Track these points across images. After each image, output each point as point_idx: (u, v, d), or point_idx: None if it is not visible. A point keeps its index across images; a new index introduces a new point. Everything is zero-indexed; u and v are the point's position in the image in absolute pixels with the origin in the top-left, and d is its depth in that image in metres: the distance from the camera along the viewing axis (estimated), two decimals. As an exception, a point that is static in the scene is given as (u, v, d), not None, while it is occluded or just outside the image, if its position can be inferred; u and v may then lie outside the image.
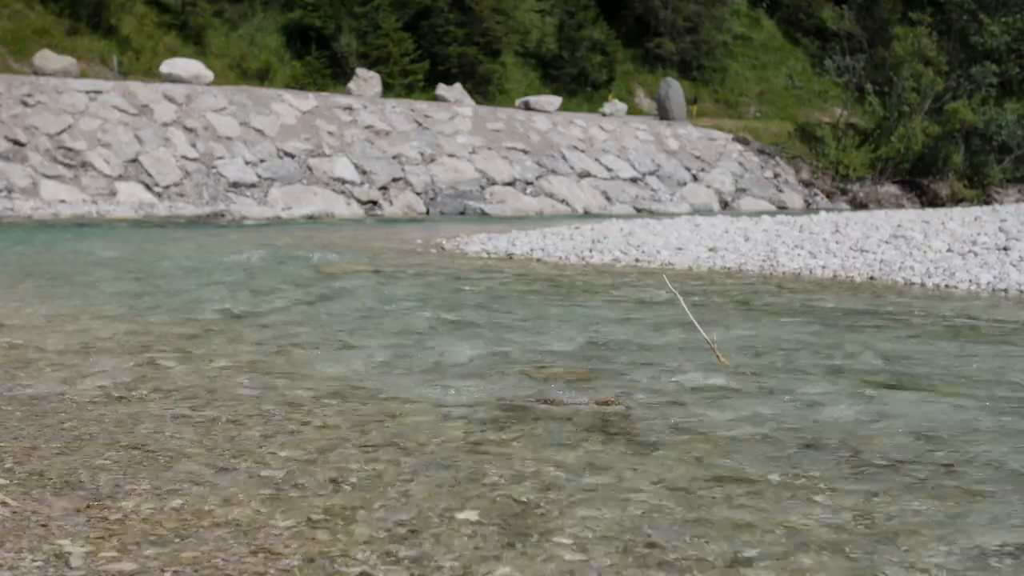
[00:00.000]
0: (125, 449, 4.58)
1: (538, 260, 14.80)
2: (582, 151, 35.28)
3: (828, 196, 39.79)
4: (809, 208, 35.89)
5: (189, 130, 28.65)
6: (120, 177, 26.39)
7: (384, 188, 29.93)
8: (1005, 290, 11.24)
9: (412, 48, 41.32)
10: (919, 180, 41.81)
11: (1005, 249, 13.56)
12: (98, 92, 28.39)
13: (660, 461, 4.50)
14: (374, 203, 29.13)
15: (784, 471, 4.36)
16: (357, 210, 28.46)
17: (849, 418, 5.32)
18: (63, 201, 24.33)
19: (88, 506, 3.81)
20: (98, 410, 5.30)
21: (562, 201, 32.44)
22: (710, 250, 14.87)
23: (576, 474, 4.31)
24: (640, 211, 32.77)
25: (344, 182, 29.40)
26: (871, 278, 12.41)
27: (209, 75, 32.12)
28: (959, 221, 17.55)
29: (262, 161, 28.83)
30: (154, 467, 4.32)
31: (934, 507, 3.94)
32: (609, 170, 35.02)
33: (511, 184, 32.31)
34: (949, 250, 13.85)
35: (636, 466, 4.42)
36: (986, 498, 4.06)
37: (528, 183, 32.70)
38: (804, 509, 3.89)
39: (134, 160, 27.00)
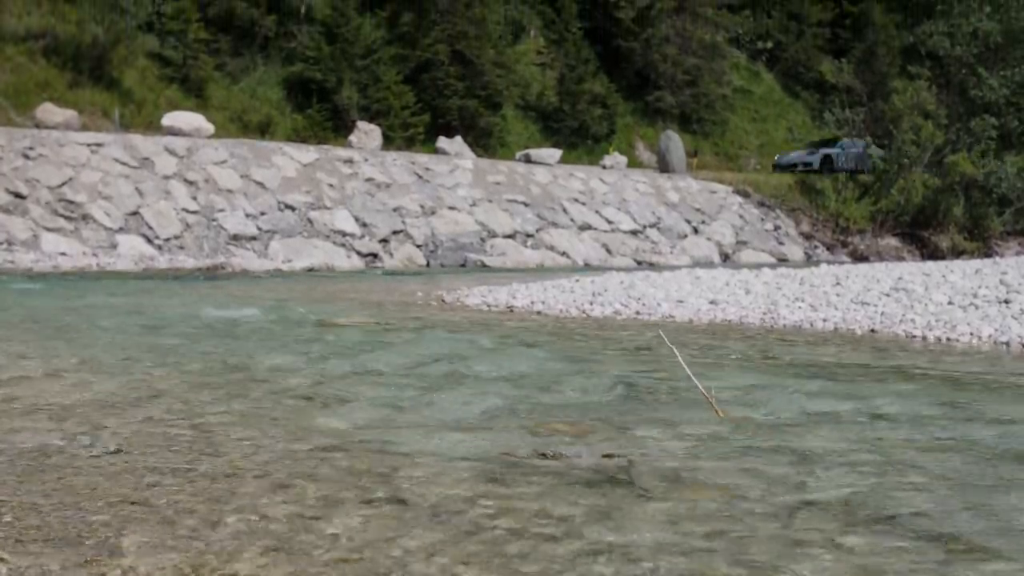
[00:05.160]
0: (124, 504, 4.56)
1: (539, 313, 14.79)
2: (582, 203, 35.37)
3: (829, 248, 39.88)
4: (810, 260, 35.93)
5: (190, 183, 28.74)
6: (121, 230, 26.44)
7: (384, 240, 29.99)
8: (1007, 343, 11.22)
9: (413, 101, 41.59)
10: (919, 232, 41.89)
11: (1006, 302, 13.55)
12: (99, 145, 28.49)
13: (660, 514, 4.48)
14: (374, 255, 29.18)
15: (780, 525, 4.35)
16: (358, 262, 28.50)
17: (843, 474, 5.30)
18: (63, 254, 24.35)
19: (87, 561, 3.79)
20: (97, 464, 5.28)
21: (563, 253, 32.50)
22: (711, 303, 14.86)
23: (576, 527, 4.29)
24: (641, 263, 32.82)
25: (345, 234, 29.47)
26: (872, 331, 12.40)
27: (210, 128, 32.26)
28: (960, 273, 17.56)
29: (263, 214, 28.90)
30: (154, 522, 4.30)
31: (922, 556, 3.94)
32: (610, 222, 35.11)
33: (511, 236, 32.39)
34: (950, 303, 13.85)
35: (636, 519, 4.40)
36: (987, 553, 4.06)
37: (528, 235, 32.78)
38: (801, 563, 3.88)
39: (135, 213, 27.07)
